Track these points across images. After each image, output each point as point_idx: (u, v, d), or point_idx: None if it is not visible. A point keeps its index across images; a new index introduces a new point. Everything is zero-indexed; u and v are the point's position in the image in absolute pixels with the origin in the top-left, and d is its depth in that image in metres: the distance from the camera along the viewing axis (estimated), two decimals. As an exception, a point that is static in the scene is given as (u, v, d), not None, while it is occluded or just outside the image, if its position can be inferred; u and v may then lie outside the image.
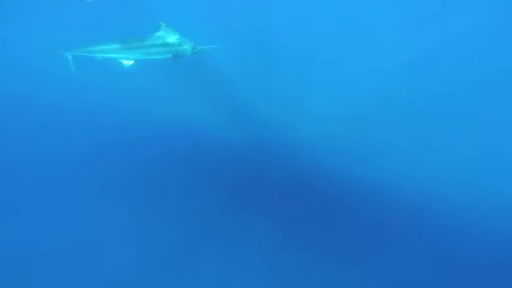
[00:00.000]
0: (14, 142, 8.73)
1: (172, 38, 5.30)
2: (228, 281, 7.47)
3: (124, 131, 9.37)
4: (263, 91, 10.29)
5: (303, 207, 8.99)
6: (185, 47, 5.35)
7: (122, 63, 6.15)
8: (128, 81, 9.29)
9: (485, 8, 9.10)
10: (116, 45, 5.40)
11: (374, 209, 9.04)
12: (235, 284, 7.43)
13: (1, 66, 9.63)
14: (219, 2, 9.97)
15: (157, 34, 5.29)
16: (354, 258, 8.12)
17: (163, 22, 5.18)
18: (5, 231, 7.30)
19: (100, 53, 5.67)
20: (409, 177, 9.53)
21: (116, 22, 8.75)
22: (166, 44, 5.28)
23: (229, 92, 10.26)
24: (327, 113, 10.28)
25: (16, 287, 6.68)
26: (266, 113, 10.18)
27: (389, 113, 9.99)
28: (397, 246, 8.40)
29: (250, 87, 10.24)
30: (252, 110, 10.28)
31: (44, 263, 7.04)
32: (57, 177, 8.35)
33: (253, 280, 7.52)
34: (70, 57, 5.93)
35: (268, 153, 9.75)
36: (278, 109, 10.19)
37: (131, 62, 6.15)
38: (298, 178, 9.53)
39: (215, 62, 9.72)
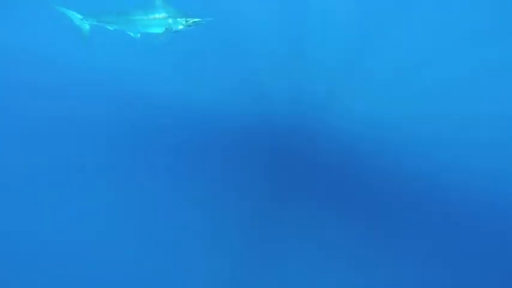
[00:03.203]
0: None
1: (163, 10, 5.30)
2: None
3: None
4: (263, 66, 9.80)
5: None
6: (178, 20, 5.31)
7: (131, 35, 6.49)
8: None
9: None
10: (113, 17, 5.64)
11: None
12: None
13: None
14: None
15: (149, 6, 5.33)
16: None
17: None
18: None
19: (107, 23, 6.00)
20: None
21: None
22: (157, 17, 5.31)
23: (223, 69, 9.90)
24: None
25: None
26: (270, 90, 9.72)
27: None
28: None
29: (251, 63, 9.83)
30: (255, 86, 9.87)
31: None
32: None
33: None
34: (88, 25, 6.41)
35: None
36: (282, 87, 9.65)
37: (138, 35, 6.45)
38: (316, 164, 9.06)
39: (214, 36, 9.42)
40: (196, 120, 9.50)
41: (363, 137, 9.33)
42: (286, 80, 9.90)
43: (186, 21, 5.41)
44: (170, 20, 5.39)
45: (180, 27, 5.49)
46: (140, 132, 9.16)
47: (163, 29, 5.50)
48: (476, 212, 8.25)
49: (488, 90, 9.04)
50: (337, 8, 9.72)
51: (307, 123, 9.55)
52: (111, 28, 6.37)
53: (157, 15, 5.39)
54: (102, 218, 7.71)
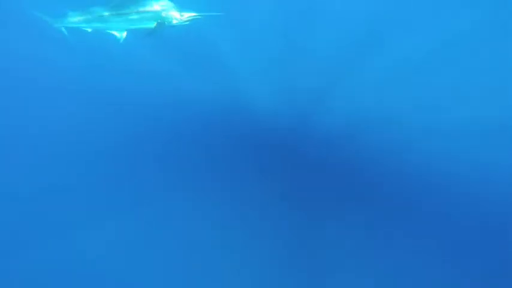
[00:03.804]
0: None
1: (156, 3, 4.50)
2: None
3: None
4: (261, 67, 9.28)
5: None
6: (171, 14, 4.51)
7: (115, 35, 5.61)
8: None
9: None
10: (98, 14, 4.79)
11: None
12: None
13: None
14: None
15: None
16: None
17: None
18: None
19: (87, 23, 5.12)
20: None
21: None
22: (149, 11, 4.50)
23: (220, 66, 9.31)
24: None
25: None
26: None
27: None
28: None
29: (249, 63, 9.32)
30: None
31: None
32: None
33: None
34: (63, 29, 5.54)
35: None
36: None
37: (124, 34, 5.57)
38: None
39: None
40: (193, 120, 9.07)
41: (359, 135, 9.30)
42: (284, 77, 9.46)
43: (181, 16, 4.62)
44: (163, 14, 4.58)
45: (174, 22, 4.69)
46: (135, 132, 8.68)
47: (154, 24, 4.68)
48: (477, 208, 8.06)
49: (491, 91, 8.84)
50: (335, 5, 9.30)
51: (305, 123, 9.28)
52: (89, 30, 5.50)
53: (148, 8, 4.57)
54: (107, 214, 7.63)
